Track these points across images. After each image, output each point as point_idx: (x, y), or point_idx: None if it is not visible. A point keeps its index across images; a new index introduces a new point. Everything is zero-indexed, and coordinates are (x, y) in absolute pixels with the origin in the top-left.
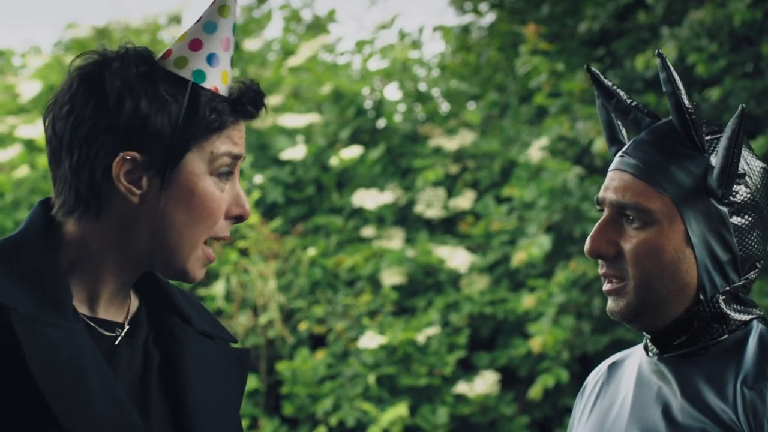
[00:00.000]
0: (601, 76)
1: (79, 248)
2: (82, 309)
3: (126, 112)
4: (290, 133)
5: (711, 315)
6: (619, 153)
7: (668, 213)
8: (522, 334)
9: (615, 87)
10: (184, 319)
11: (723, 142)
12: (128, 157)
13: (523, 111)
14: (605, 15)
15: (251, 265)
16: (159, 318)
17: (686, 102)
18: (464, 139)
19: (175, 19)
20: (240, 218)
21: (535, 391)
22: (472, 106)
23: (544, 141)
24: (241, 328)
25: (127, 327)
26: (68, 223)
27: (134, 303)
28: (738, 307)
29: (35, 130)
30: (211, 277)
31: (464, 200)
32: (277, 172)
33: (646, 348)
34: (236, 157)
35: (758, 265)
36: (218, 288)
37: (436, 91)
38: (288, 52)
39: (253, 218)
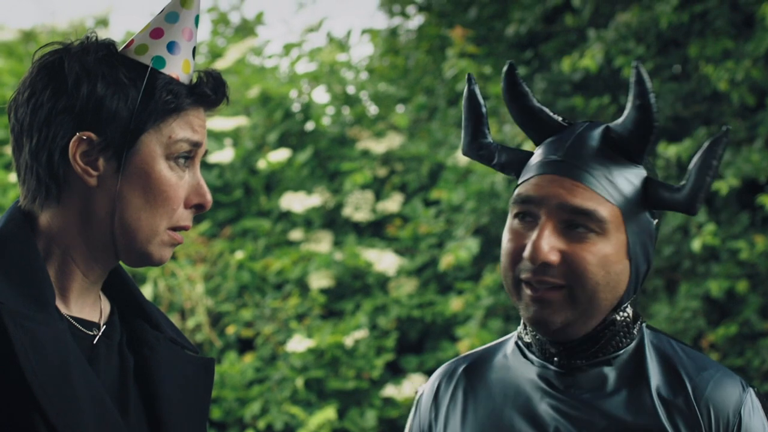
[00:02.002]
0: (518, 75)
1: (48, 240)
2: (57, 305)
3: (83, 94)
4: (218, 136)
5: (621, 326)
6: (552, 156)
7: (616, 223)
8: (450, 337)
9: (527, 87)
10: (153, 324)
11: (706, 162)
12: (84, 138)
13: (450, 114)
14: (532, 18)
15: (179, 269)
16: (129, 322)
17: (657, 117)
18: (392, 142)
19: (102, 22)
20: (201, 207)
21: None
22: (400, 109)
23: None
24: None
25: (104, 327)
26: (39, 216)
27: (107, 305)
28: (633, 314)
29: None
30: (138, 281)
31: (392, 203)
32: (204, 175)
33: (522, 350)
34: (195, 145)
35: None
36: (146, 291)
37: (364, 94)
38: (216, 54)
39: None
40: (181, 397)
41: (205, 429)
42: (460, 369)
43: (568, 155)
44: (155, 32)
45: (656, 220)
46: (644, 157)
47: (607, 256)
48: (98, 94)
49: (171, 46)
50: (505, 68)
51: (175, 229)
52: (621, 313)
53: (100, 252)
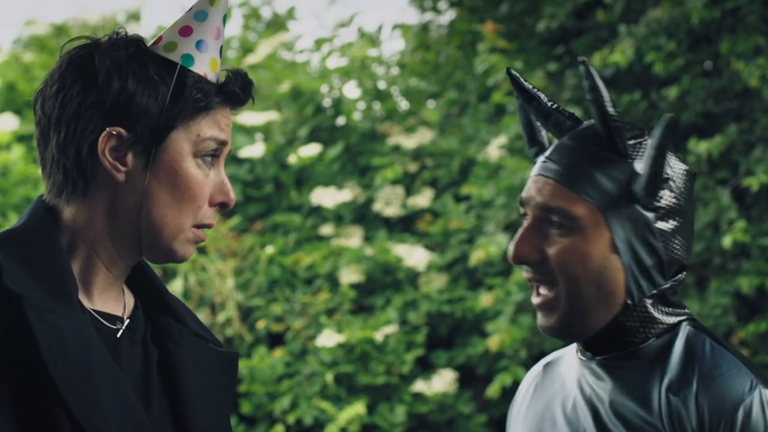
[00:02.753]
0: (522, 79)
1: (72, 234)
2: (80, 299)
3: (113, 89)
4: (249, 131)
5: (639, 319)
6: (542, 158)
7: (593, 220)
8: (480, 332)
9: (536, 89)
10: (177, 318)
11: (649, 152)
12: (114, 133)
13: (481, 109)
14: (564, 13)
15: (209, 263)
16: (153, 316)
17: (610, 110)
18: (423, 137)
19: (134, 17)
20: (224, 206)
21: (493, 390)
22: (431, 104)
23: (502, 139)
24: None
25: (127, 321)
26: (63, 210)
27: (130, 299)
28: (666, 309)
29: None
30: (168, 275)
31: (423, 198)
32: (235, 170)
33: (578, 350)
34: (222, 143)
35: (686, 267)
36: (176, 286)
37: (395, 89)
38: (247, 49)
39: None
40: (204, 391)
41: (229, 423)
42: (542, 365)
43: (552, 155)
44: (184, 30)
45: (652, 213)
46: (624, 150)
47: (580, 252)
48: (129, 90)
49: (199, 44)
50: (509, 77)
51: (200, 226)
52: (635, 310)
53: (124, 247)
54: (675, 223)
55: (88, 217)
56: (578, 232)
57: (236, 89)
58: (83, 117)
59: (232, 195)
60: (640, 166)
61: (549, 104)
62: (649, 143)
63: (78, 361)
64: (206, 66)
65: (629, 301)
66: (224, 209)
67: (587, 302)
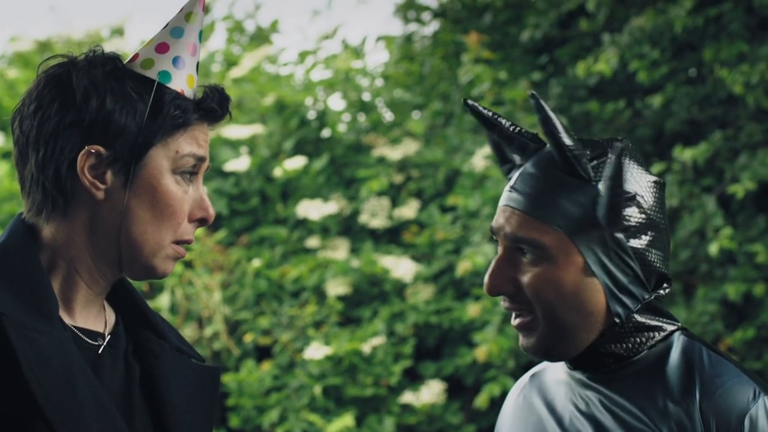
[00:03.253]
0: (480, 108)
1: (52, 252)
2: (61, 316)
3: (92, 108)
4: (234, 145)
5: (630, 332)
6: (508, 187)
7: (563, 247)
8: (467, 343)
9: (496, 116)
10: (158, 334)
11: (606, 182)
12: (93, 151)
13: (466, 120)
14: (547, 23)
15: (196, 277)
16: (134, 332)
17: (566, 141)
18: (408, 148)
19: (118, 32)
20: (204, 221)
21: (481, 400)
22: (416, 115)
23: (487, 149)
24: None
25: (108, 337)
26: (43, 228)
27: (111, 316)
28: (656, 318)
29: None
30: (155, 290)
31: (408, 210)
32: (221, 184)
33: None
34: (200, 159)
35: (667, 275)
36: (163, 300)
37: (379, 101)
38: (231, 63)
39: (198, 230)
40: (187, 406)
41: None
42: (529, 376)
43: (517, 184)
44: (161, 47)
45: (622, 234)
46: (587, 175)
47: (552, 279)
48: (107, 109)
49: (176, 61)
50: (467, 107)
51: (179, 242)
52: (624, 326)
53: (104, 265)
54: (648, 237)
55: (67, 235)
56: (549, 260)
57: (213, 105)
58: (62, 136)
59: (211, 210)
60: (604, 188)
61: (511, 129)
62: (605, 172)
63: (59, 378)
64: (183, 82)
65: (617, 320)
66: (204, 225)
67: (567, 325)
